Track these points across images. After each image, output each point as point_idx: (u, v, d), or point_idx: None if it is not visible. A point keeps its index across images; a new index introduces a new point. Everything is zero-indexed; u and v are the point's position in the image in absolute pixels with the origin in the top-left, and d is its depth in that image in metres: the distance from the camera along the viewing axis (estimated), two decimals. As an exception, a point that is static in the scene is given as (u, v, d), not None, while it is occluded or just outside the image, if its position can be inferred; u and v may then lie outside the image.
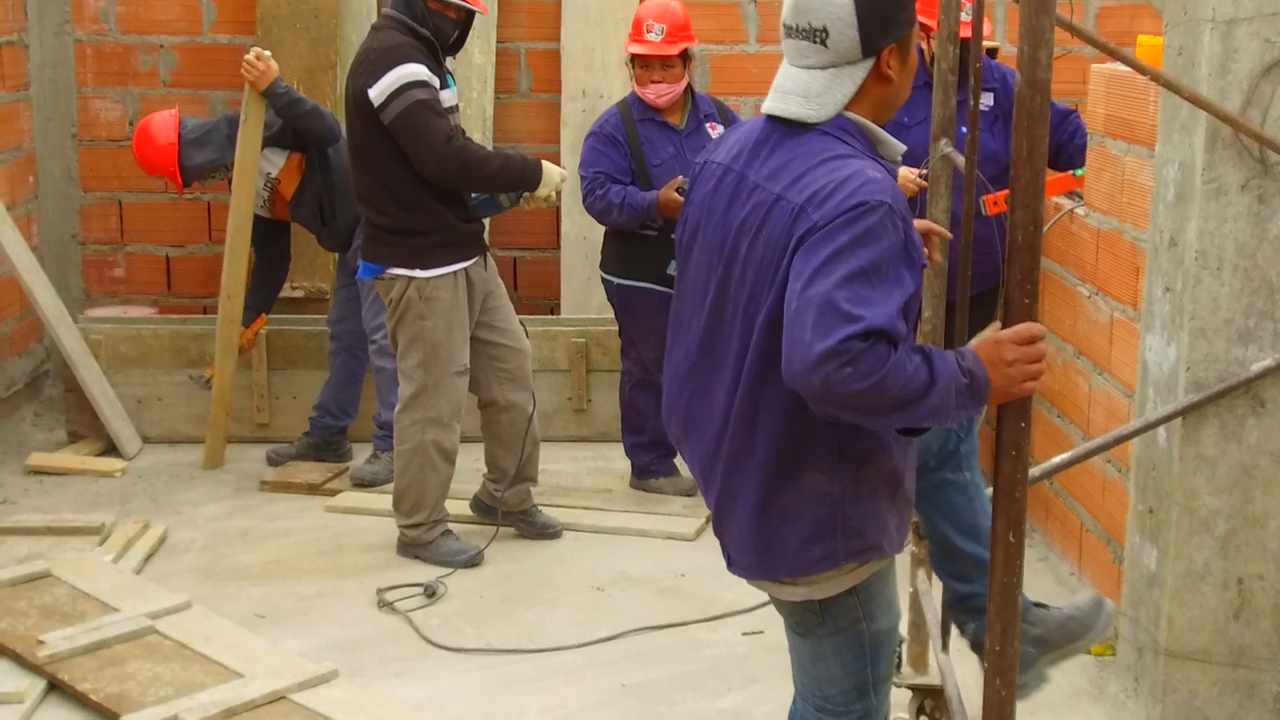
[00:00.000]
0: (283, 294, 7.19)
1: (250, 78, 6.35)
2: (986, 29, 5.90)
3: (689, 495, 6.40)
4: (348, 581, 5.55)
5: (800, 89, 2.89)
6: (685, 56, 6.19)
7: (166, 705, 4.35)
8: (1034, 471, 2.88)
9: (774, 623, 5.00)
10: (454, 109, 5.60)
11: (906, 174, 5.47)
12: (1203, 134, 3.97)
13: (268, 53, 6.42)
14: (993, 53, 6.19)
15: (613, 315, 6.56)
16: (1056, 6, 2.56)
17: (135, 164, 6.91)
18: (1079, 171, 5.50)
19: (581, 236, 7.44)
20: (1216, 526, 4.15)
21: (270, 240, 6.85)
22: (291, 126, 6.45)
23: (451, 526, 5.80)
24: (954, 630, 3.61)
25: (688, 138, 6.28)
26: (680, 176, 6.06)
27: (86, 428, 7.07)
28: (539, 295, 7.78)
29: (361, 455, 6.78)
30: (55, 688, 4.57)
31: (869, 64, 2.87)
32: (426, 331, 5.52)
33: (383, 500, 6.09)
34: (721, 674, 4.85)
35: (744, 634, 5.10)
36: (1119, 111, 5.04)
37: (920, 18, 4.46)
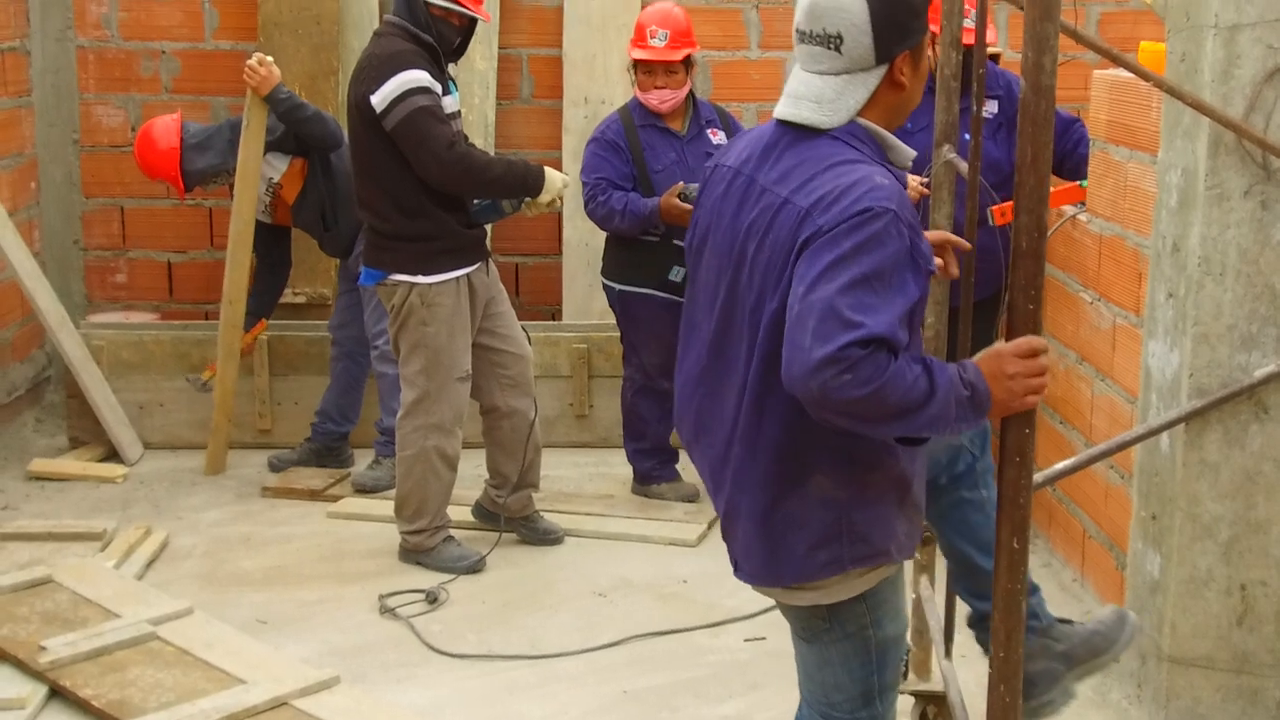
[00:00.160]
0: (284, 300, 7.19)
1: (252, 83, 6.35)
2: (991, 35, 5.91)
3: (690, 501, 6.40)
4: (349, 587, 5.55)
5: (813, 94, 2.89)
6: (688, 62, 6.20)
7: (168, 711, 4.34)
8: (1036, 478, 2.88)
9: (776, 629, 5.01)
10: (456, 115, 5.60)
11: (909, 180, 5.46)
12: (1205, 140, 3.97)
13: (270, 58, 6.42)
14: (995, 58, 6.19)
15: (614, 321, 6.56)
16: (1060, 13, 2.56)
17: (137, 169, 6.90)
18: (1086, 183, 5.49)
19: (583, 242, 7.43)
20: (1220, 532, 4.15)
21: (271, 245, 6.85)
22: (294, 132, 6.45)
23: (453, 532, 5.79)
24: (957, 636, 3.61)
25: (689, 143, 6.28)
26: (681, 183, 6.06)
27: (88, 433, 7.06)
28: (541, 301, 7.78)
29: (363, 461, 6.77)
30: (56, 694, 4.57)
31: (882, 71, 2.87)
32: (428, 337, 5.52)
33: (384, 506, 6.09)
34: (723, 680, 4.84)
35: (746, 640, 5.10)
36: (1121, 117, 5.04)
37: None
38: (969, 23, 4.95)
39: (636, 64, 6.20)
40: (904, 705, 3.92)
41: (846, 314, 2.63)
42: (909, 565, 3.82)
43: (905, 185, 2.90)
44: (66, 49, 7.63)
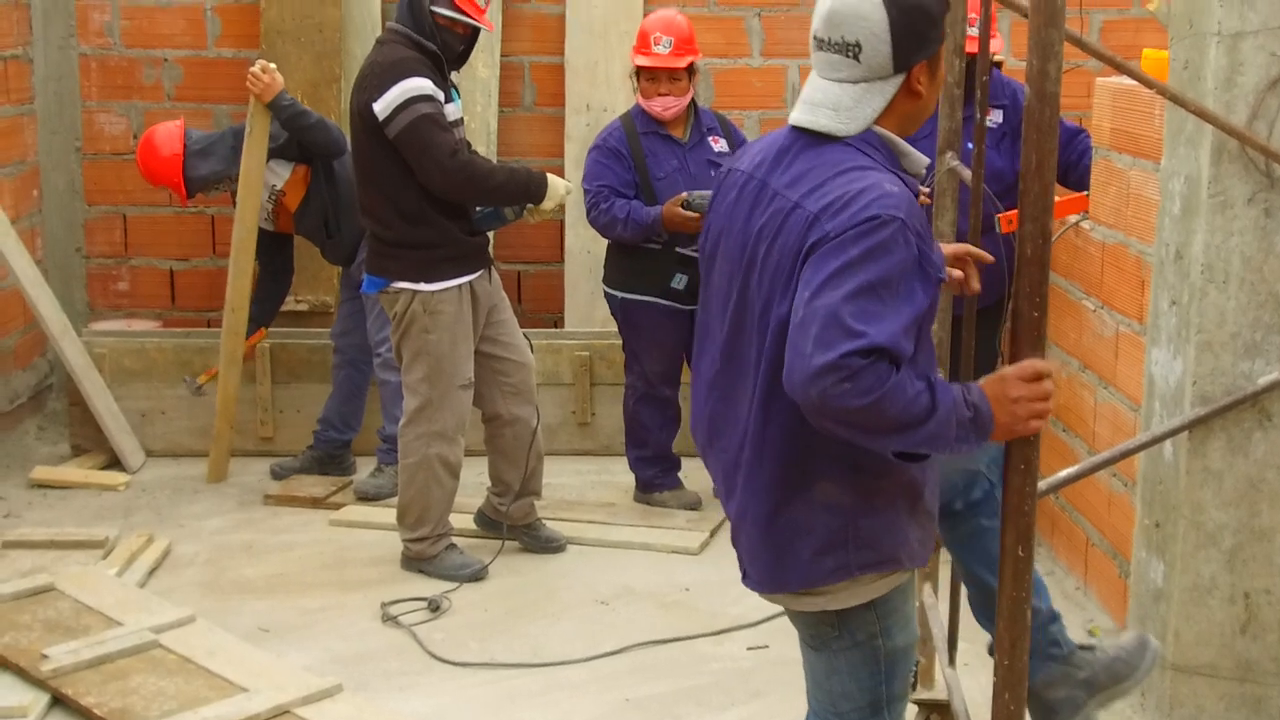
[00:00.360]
0: (286, 307, 7.19)
1: (255, 90, 6.36)
2: (996, 44, 5.90)
3: (693, 509, 6.39)
4: (352, 595, 5.54)
5: (831, 102, 2.88)
6: (690, 70, 6.20)
7: (170, 720, 4.35)
8: (1040, 485, 2.88)
9: (779, 637, 5.00)
10: (459, 123, 5.60)
11: (912, 188, 5.46)
12: (1208, 147, 3.97)
13: (273, 65, 6.42)
14: (996, 66, 6.18)
15: (616, 329, 6.55)
16: (1065, 20, 2.56)
17: (139, 177, 6.91)
18: (1088, 193, 5.49)
19: (585, 250, 7.43)
20: (1223, 540, 4.14)
21: (274, 253, 6.85)
22: (297, 139, 6.45)
23: (456, 540, 5.79)
24: (961, 645, 3.61)
25: (691, 151, 6.28)
26: (684, 192, 6.06)
27: (90, 441, 7.06)
28: (543, 309, 7.78)
29: (365, 469, 6.77)
30: (59, 702, 4.56)
31: (900, 79, 2.86)
32: (431, 345, 5.51)
33: (387, 514, 6.08)
34: (726, 688, 4.83)
35: (749, 648, 5.09)
36: (1124, 125, 5.04)
37: None
38: (973, 30, 4.96)
39: (640, 71, 6.20)
40: (908, 713, 3.92)
41: (849, 322, 2.63)
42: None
43: (918, 193, 2.89)
44: (69, 57, 7.64)
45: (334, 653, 5.06)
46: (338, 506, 6.46)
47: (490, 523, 5.96)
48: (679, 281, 6.19)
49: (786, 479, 2.90)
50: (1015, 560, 2.71)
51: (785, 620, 4.94)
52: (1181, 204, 4.12)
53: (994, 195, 5.37)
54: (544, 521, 6.03)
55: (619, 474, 6.75)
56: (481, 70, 7.44)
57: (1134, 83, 4.31)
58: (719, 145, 6.34)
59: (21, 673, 4.66)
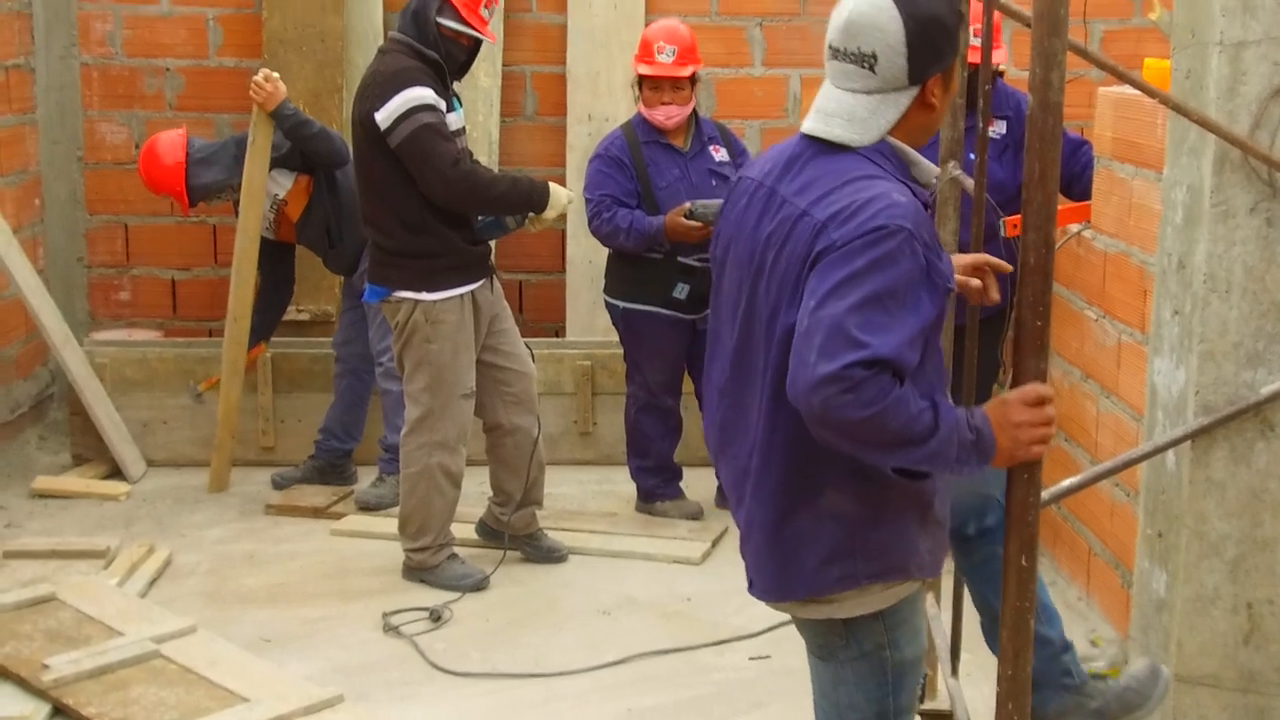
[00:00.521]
0: (288, 317, 7.19)
1: (258, 99, 6.36)
2: (1001, 55, 5.89)
3: (695, 519, 6.39)
4: (353, 605, 5.54)
5: (845, 112, 2.88)
6: (693, 79, 6.21)
7: (171, 730, 4.35)
8: (1042, 495, 2.87)
9: (781, 647, 5.00)
10: (461, 132, 5.61)
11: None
12: (1211, 157, 3.96)
13: (276, 74, 6.42)
14: (999, 75, 6.18)
15: (618, 338, 6.55)
16: (1068, 29, 2.56)
17: (141, 186, 6.91)
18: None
19: (587, 260, 7.43)
20: (1226, 551, 4.13)
21: (275, 262, 6.84)
22: (299, 148, 6.45)
23: (457, 550, 5.78)
24: (964, 655, 3.60)
25: (692, 160, 6.29)
26: (687, 202, 6.06)
27: (91, 451, 7.06)
28: (544, 318, 7.77)
29: (366, 478, 6.76)
30: (59, 712, 4.56)
31: (914, 91, 2.86)
32: (433, 354, 5.51)
33: (388, 524, 6.08)
34: (728, 699, 4.83)
35: (751, 659, 5.09)
36: (1126, 135, 5.03)
37: None
38: (975, 41, 4.96)
39: (643, 80, 6.20)
40: (910, 724, 3.92)
41: (854, 333, 2.63)
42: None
43: (927, 203, 2.89)
44: (71, 66, 7.65)
45: (335, 663, 5.06)
46: (339, 516, 6.45)
47: (492, 533, 5.95)
48: (681, 291, 6.18)
49: (793, 487, 2.90)
50: (1019, 570, 2.71)
51: (788, 630, 4.93)
52: (1184, 213, 4.12)
53: (995, 206, 5.37)
54: (545, 531, 6.02)
55: (620, 484, 6.75)
56: (483, 79, 7.44)
57: (1136, 92, 4.30)
58: (719, 155, 6.35)
59: (22, 683, 4.65)
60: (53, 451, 7.35)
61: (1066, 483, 4.13)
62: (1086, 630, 5.13)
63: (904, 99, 2.86)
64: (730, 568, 5.78)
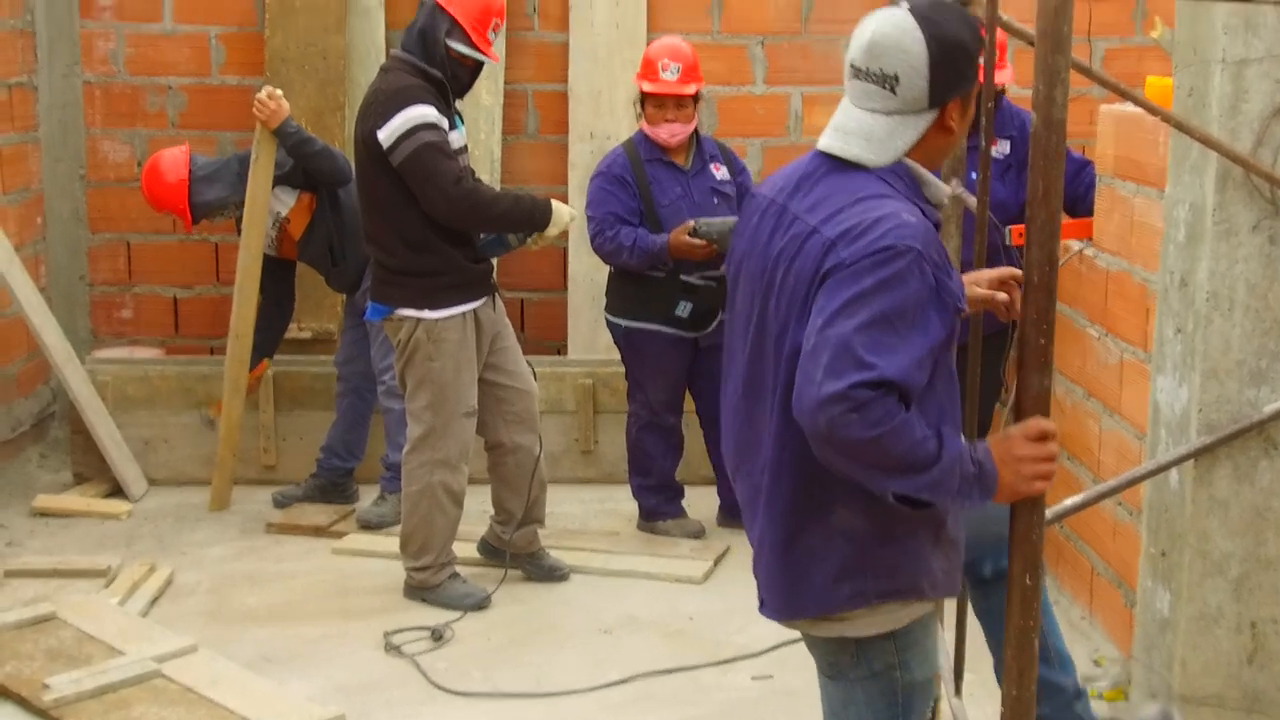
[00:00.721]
0: (290, 335, 7.19)
1: (262, 116, 6.37)
2: (1008, 74, 5.88)
3: (696, 538, 6.38)
4: (354, 624, 5.52)
5: (864, 131, 2.87)
6: (696, 97, 6.21)
7: (172, 749, 4.33)
8: (1045, 514, 2.87)
9: (784, 667, 4.99)
10: (463, 150, 5.61)
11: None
12: (1213, 175, 3.96)
13: (279, 91, 6.42)
14: (1001, 93, 6.18)
15: (619, 356, 6.54)
16: (1071, 47, 2.55)
17: (143, 204, 6.91)
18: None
19: (589, 278, 7.43)
20: (1230, 569, 4.12)
21: (276, 279, 6.84)
22: (302, 166, 6.45)
23: (459, 569, 5.77)
24: (967, 675, 3.58)
25: (694, 178, 6.29)
26: (691, 220, 6.06)
27: (92, 469, 7.05)
28: (546, 336, 7.77)
29: (368, 497, 6.76)
30: (60, 731, 4.55)
31: (933, 115, 2.86)
32: (435, 373, 5.51)
33: (389, 542, 6.07)
34: (730, 718, 4.81)
35: (753, 678, 5.07)
36: (1128, 152, 5.03)
37: None
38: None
39: (646, 97, 6.21)
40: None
41: (860, 353, 2.63)
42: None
43: (939, 223, 2.89)
44: (73, 84, 7.65)
45: (337, 682, 5.05)
46: (341, 535, 6.44)
47: (493, 551, 5.94)
48: (683, 309, 6.18)
49: (803, 504, 2.89)
50: (1022, 589, 2.70)
51: (791, 650, 4.94)
52: (1186, 231, 4.12)
53: (998, 225, 5.37)
54: (547, 550, 6.01)
55: (622, 502, 6.74)
56: (485, 98, 7.45)
57: (1138, 110, 4.30)
58: (720, 173, 6.35)
59: (23, 702, 4.64)
60: (54, 470, 7.34)
61: (1069, 501, 4.13)
62: (1090, 650, 5.12)
63: (923, 121, 2.86)
64: (733, 586, 5.79)
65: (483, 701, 4.93)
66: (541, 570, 5.94)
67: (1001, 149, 5.82)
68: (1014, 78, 6.01)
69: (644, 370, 6.35)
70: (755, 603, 3.11)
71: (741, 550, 6.10)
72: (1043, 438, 2.72)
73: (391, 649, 5.29)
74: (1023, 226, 5.19)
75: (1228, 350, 4.02)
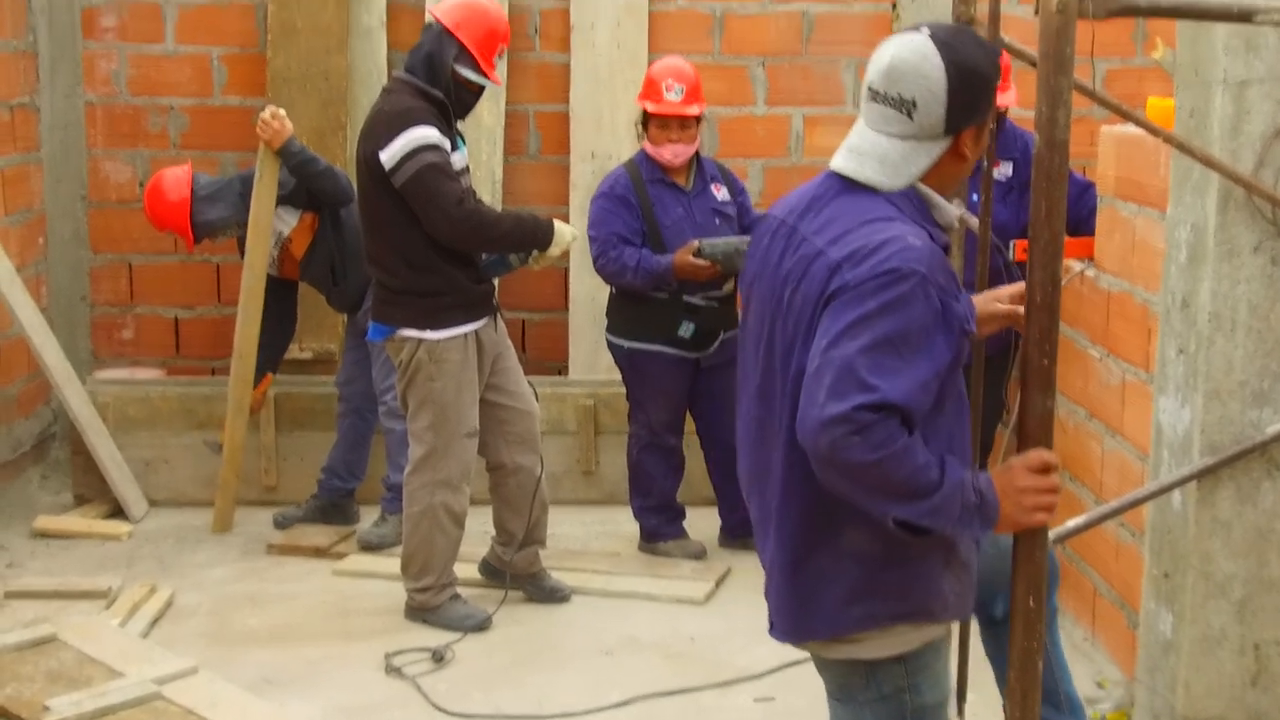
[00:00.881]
0: (291, 355, 7.19)
1: (265, 136, 6.37)
2: (1009, 97, 5.88)
3: (698, 559, 6.36)
4: (355, 646, 5.51)
5: (878, 154, 2.88)
6: (698, 118, 6.23)
7: (172, 771, 4.32)
8: (1048, 536, 2.87)
9: (786, 689, 4.98)
10: (465, 171, 5.61)
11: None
12: (1215, 195, 3.96)
13: (282, 111, 6.43)
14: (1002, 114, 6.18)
15: (620, 377, 6.53)
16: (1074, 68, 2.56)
17: (145, 225, 6.92)
18: None
19: (590, 298, 7.43)
20: (1233, 591, 4.11)
21: (278, 299, 6.84)
22: (305, 186, 6.46)
23: (459, 590, 5.76)
24: (969, 695, 3.57)
25: (695, 199, 6.30)
26: (695, 240, 6.07)
27: (93, 490, 7.04)
28: (547, 357, 7.76)
29: (369, 518, 6.75)
30: (60, 753, 4.54)
31: (948, 141, 2.86)
32: (436, 393, 5.50)
33: (390, 563, 6.06)
34: (733, 740, 4.80)
35: (755, 700, 5.06)
36: (1129, 173, 5.03)
37: None
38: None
39: (650, 118, 6.21)
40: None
41: (863, 375, 2.63)
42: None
43: (947, 245, 2.89)
44: (75, 105, 7.66)
45: (337, 703, 5.03)
46: (341, 556, 6.43)
47: (494, 572, 5.93)
48: (686, 330, 6.18)
49: (813, 526, 2.88)
50: (1026, 611, 2.69)
51: (793, 672, 4.93)
52: (1188, 252, 4.12)
53: (1000, 246, 5.37)
54: (548, 571, 6.00)
55: (623, 523, 6.73)
56: (487, 118, 7.46)
57: (1139, 130, 4.30)
58: (720, 193, 6.36)
59: (23, 724, 4.63)
60: (54, 491, 7.33)
61: (1071, 523, 4.12)
62: (1092, 672, 5.11)
63: (937, 148, 2.86)
64: (734, 607, 5.78)
65: (484, 723, 4.93)
66: (542, 591, 5.93)
67: (1004, 171, 5.83)
68: (1017, 99, 6.01)
69: (645, 391, 6.35)
70: (757, 624, 3.10)
71: (743, 571, 6.09)
72: (1045, 469, 2.73)
73: (392, 670, 5.28)
74: (1026, 241, 5.20)
75: (1230, 371, 4.02)
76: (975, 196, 4.46)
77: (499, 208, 7.11)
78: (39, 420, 7.58)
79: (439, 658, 5.35)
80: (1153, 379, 4.47)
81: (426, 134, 5.38)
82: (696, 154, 6.35)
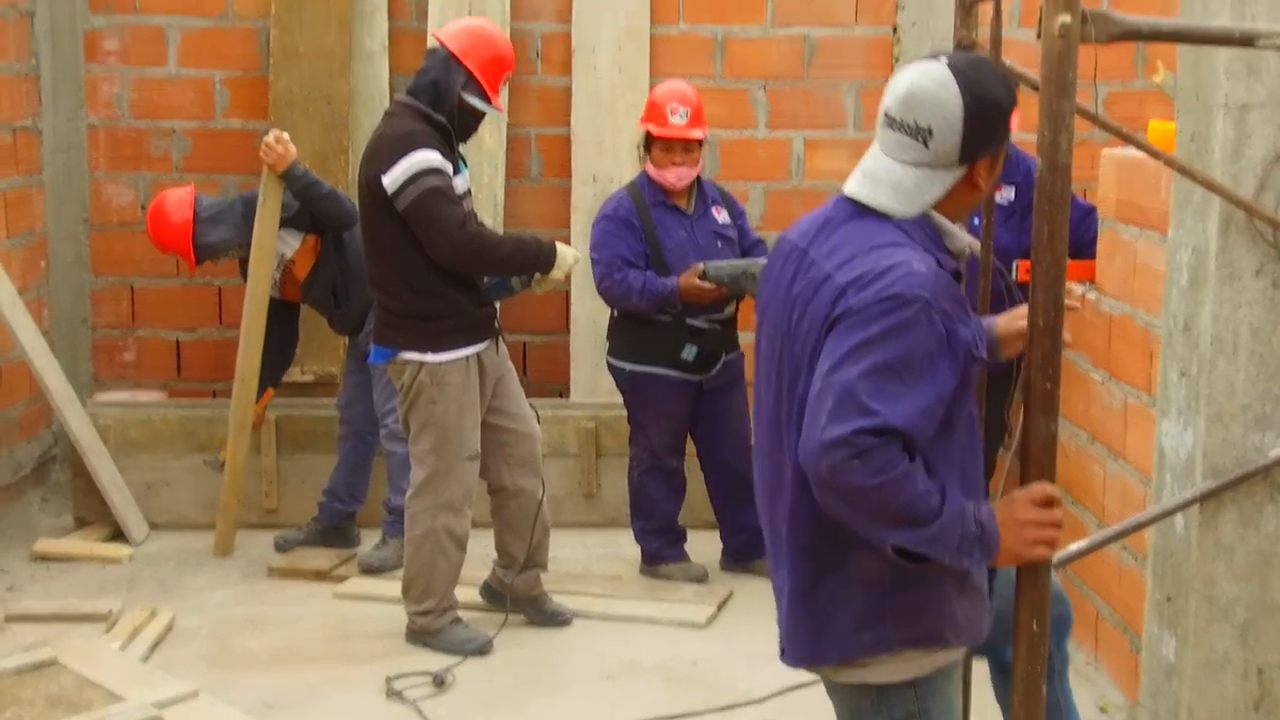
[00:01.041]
0: (292, 378, 7.18)
1: (269, 160, 6.38)
2: (1014, 120, 5.89)
3: (699, 582, 6.35)
4: (356, 669, 5.50)
5: (892, 181, 2.88)
6: (701, 141, 6.24)
7: (172, 796, 4.31)
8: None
9: (788, 713, 4.96)
10: (467, 194, 5.61)
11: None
12: (1216, 219, 3.96)
13: (286, 135, 6.44)
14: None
15: (622, 400, 6.53)
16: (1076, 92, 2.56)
17: (147, 248, 6.93)
18: None
19: (591, 320, 7.43)
20: (1236, 615, 4.10)
21: (280, 321, 6.84)
22: (309, 210, 6.46)
23: (460, 614, 5.75)
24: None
25: (697, 222, 6.31)
26: (699, 263, 6.07)
27: (94, 513, 7.03)
28: (548, 379, 7.76)
29: (370, 541, 6.74)
30: (60, 777, 4.53)
31: (962, 170, 2.87)
32: (438, 416, 5.50)
33: (391, 587, 6.05)
34: (734, 764, 4.79)
35: (757, 723, 5.05)
36: (1130, 197, 5.04)
37: None
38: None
39: (654, 140, 6.22)
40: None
41: (864, 399, 2.63)
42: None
43: (958, 272, 2.89)
44: (77, 128, 7.67)
45: (338, 727, 5.03)
46: (342, 579, 6.42)
47: (495, 595, 5.92)
48: (689, 352, 6.18)
49: (823, 550, 2.88)
50: (1029, 635, 2.68)
51: (795, 696, 4.91)
52: (1189, 275, 4.12)
53: (1002, 270, 5.37)
54: (549, 594, 5.99)
55: (625, 546, 6.72)
56: (488, 141, 7.47)
57: (1140, 154, 4.31)
58: (721, 216, 6.37)
59: (23, 748, 4.63)
60: (55, 514, 7.32)
61: (1074, 547, 4.12)
62: (1095, 696, 5.09)
63: (951, 177, 2.87)
64: (736, 631, 5.77)
65: (485, 747, 4.92)
66: (544, 615, 5.92)
67: (1006, 195, 5.83)
68: (1019, 123, 6.01)
69: (647, 413, 6.35)
70: (759, 647, 3.11)
71: (745, 595, 6.08)
72: (1048, 503, 2.72)
73: (393, 694, 5.27)
74: (1029, 262, 5.20)
75: (1232, 394, 4.01)
76: (976, 220, 4.46)
77: (501, 231, 7.11)
78: (40, 443, 7.58)
79: (440, 681, 5.34)
80: (1155, 402, 4.46)
81: (429, 158, 5.39)
82: (698, 177, 6.36)
